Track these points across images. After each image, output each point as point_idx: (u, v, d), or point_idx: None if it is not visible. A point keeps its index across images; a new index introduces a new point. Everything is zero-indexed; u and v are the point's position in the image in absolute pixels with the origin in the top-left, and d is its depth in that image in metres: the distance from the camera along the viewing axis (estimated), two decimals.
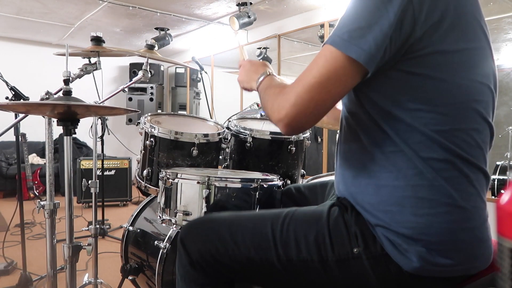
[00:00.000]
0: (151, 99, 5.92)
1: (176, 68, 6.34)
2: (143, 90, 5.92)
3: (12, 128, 1.87)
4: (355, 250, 0.85)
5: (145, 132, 1.63)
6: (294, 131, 0.87)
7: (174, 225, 1.34)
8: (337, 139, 1.02)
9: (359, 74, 0.80)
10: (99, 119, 2.16)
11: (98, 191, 2.06)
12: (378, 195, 0.85)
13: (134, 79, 1.99)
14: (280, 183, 1.36)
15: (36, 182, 4.71)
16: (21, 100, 1.89)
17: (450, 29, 0.78)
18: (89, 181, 2.03)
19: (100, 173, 3.06)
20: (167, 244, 1.45)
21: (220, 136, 1.67)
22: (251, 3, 4.01)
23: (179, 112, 6.04)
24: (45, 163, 2.26)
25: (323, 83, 0.79)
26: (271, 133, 1.66)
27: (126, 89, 2.56)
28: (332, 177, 1.42)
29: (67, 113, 1.21)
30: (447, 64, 0.79)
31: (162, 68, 6.43)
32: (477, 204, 0.83)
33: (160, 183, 1.38)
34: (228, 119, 1.84)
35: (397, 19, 0.75)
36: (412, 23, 0.76)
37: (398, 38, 0.76)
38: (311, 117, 0.83)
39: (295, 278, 0.93)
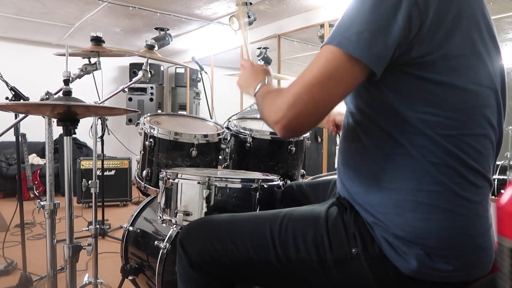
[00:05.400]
0: (151, 99, 5.91)
1: (176, 68, 6.34)
2: (143, 90, 5.92)
3: (12, 128, 1.88)
4: (354, 250, 0.85)
5: (145, 132, 1.63)
6: (292, 134, 0.83)
7: (175, 225, 1.34)
8: (338, 138, 1.02)
9: (363, 76, 0.78)
10: (99, 119, 2.16)
11: (98, 191, 2.05)
12: (377, 197, 0.84)
13: (134, 79, 1.99)
14: (280, 183, 1.36)
15: (36, 182, 4.71)
16: (21, 100, 1.88)
17: (455, 32, 0.77)
18: (89, 181, 2.03)
19: (100, 173, 3.06)
20: (167, 244, 1.45)
21: (220, 137, 1.67)
22: (251, 3, 4.01)
23: (179, 112, 6.04)
24: (45, 163, 2.26)
25: (324, 82, 0.77)
26: (271, 133, 1.65)
27: (126, 89, 2.55)
28: (332, 177, 1.42)
29: (67, 113, 1.21)
30: (455, 69, 0.78)
31: (162, 68, 6.42)
32: (479, 212, 0.82)
33: (161, 183, 1.38)
34: (228, 119, 1.84)
35: (405, 22, 0.74)
36: (419, 25, 0.75)
37: (406, 41, 0.75)
38: (311, 119, 0.81)
39: (294, 278, 0.93)
